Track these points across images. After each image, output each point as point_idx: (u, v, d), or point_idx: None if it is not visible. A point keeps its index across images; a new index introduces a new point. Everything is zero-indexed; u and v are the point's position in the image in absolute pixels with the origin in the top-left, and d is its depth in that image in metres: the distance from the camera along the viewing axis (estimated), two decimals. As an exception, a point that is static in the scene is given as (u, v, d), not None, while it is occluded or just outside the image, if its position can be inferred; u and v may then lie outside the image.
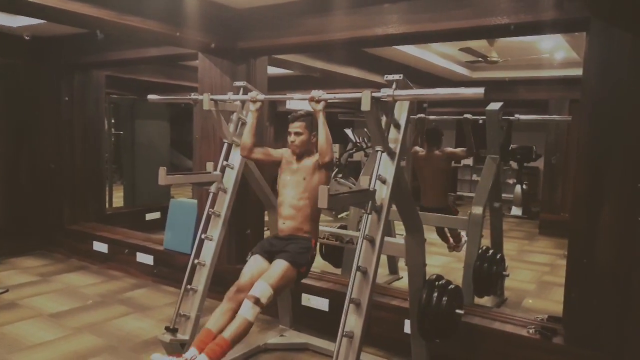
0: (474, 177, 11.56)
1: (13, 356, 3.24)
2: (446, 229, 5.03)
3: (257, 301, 2.59)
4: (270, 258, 2.85)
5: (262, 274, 2.74)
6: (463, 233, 4.89)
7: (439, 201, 4.82)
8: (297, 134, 2.90)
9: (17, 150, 5.62)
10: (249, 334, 3.64)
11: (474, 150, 4.62)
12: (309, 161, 2.89)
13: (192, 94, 3.29)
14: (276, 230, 3.00)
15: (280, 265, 2.73)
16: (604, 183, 2.71)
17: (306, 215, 2.86)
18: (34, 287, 4.58)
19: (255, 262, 2.88)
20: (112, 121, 7.92)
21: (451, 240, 5.06)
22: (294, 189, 2.89)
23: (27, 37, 5.16)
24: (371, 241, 2.34)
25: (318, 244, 2.99)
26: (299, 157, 2.94)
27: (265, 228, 4.11)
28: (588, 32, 2.76)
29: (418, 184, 5.04)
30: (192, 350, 2.58)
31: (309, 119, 2.92)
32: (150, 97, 3.64)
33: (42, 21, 4.29)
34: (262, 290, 2.62)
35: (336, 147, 11.11)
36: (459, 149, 4.86)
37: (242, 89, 3.16)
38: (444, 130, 4.89)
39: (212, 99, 3.08)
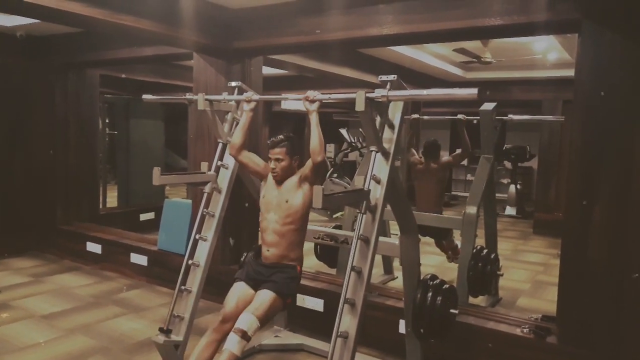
0: (468, 177, 11.59)
1: (5, 357, 3.22)
2: (444, 243, 5.01)
3: (244, 335, 2.51)
4: (255, 286, 2.75)
5: (246, 302, 2.67)
6: (458, 243, 4.87)
7: (432, 210, 4.77)
8: (277, 160, 2.75)
9: (10, 150, 5.59)
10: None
11: (470, 149, 4.62)
12: (291, 181, 2.76)
13: (187, 93, 3.29)
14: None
15: (267, 296, 2.64)
16: (596, 182, 2.73)
17: (291, 241, 2.74)
18: (26, 288, 4.56)
19: (239, 290, 2.78)
20: (107, 121, 7.89)
21: (450, 252, 5.04)
22: (276, 213, 2.75)
23: (20, 36, 5.14)
24: (366, 241, 2.35)
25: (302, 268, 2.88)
26: (279, 183, 2.80)
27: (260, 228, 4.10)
28: (580, 33, 2.78)
29: (412, 183, 5.04)
30: None
31: (289, 143, 2.78)
32: (145, 96, 3.63)
33: (36, 20, 4.27)
34: (249, 322, 2.53)
35: (331, 147, 11.12)
36: (453, 155, 4.87)
37: (237, 89, 3.16)
38: (439, 131, 4.89)
39: (206, 99, 3.07)
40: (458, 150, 4.83)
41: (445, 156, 4.96)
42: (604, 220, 2.70)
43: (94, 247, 5.31)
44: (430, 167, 4.78)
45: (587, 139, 2.77)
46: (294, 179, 2.76)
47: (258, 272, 2.78)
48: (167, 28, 3.54)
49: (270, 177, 2.84)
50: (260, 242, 2.88)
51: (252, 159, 2.92)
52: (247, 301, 2.68)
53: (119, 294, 4.49)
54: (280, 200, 2.75)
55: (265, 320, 2.63)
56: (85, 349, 3.38)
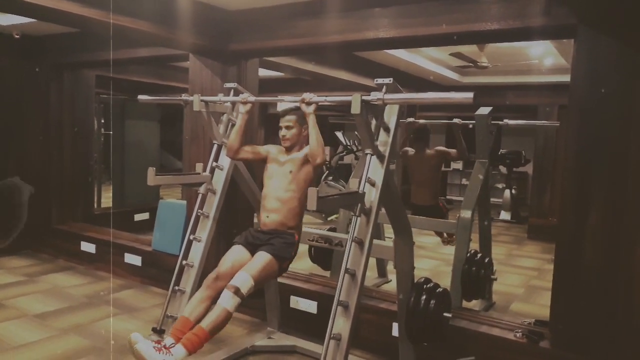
0: (464, 181, 11.61)
1: (-3, 357, 3.21)
2: None
3: (237, 291, 2.52)
4: (252, 250, 2.79)
5: (242, 263, 2.70)
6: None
7: (429, 199, 4.83)
8: (288, 127, 2.88)
9: (4, 150, 5.56)
10: (236, 336, 3.65)
11: (467, 155, 4.63)
12: (298, 154, 2.87)
13: (183, 95, 3.28)
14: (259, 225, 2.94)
15: (263, 257, 2.68)
16: (591, 188, 2.74)
17: (291, 209, 2.81)
18: (20, 288, 4.54)
19: (237, 252, 2.82)
20: (102, 121, 7.87)
21: (445, 234, 5.07)
22: (280, 181, 2.85)
23: (16, 36, 5.13)
24: (360, 244, 2.35)
25: (300, 240, 2.92)
26: (288, 149, 2.92)
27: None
28: (575, 38, 2.79)
29: (407, 186, 5.05)
30: (169, 339, 2.49)
31: (300, 112, 2.83)
32: (141, 97, 3.62)
33: (32, 20, 4.26)
34: (243, 280, 2.56)
35: (327, 150, 11.12)
36: (452, 150, 4.81)
37: (232, 90, 3.16)
38: (434, 135, 4.91)
39: (202, 100, 3.07)
40: (453, 150, 4.78)
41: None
42: (598, 225, 2.71)
43: (88, 247, 5.29)
44: (424, 154, 4.77)
45: (582, 144, 2.78)
46: (300, 154, 2.86)
47: (256, 237, 2.84)
48: (163, 29, 3.54)
49: (272, 155, 2.96)
50: (261, 210, 2.93)
51: (251, 151, 3.00)
52: (243, 263, 2.71)
53: (107, 295, 4.47)
54: (284, 171, 2.86)
55: (260, 281, 2.65)
56: (79, 349, 3.37)
